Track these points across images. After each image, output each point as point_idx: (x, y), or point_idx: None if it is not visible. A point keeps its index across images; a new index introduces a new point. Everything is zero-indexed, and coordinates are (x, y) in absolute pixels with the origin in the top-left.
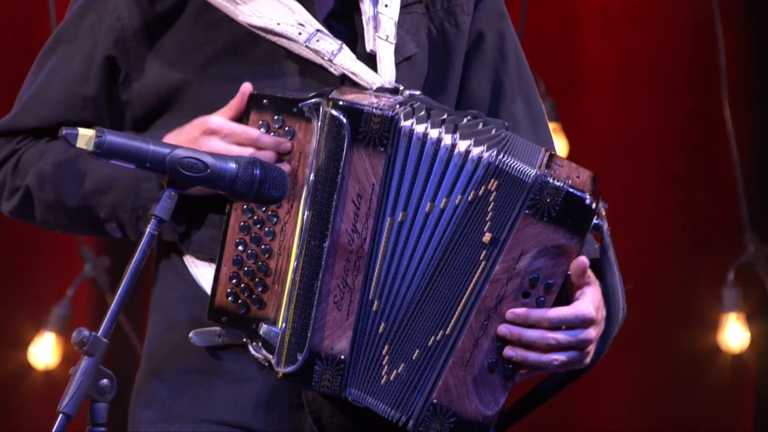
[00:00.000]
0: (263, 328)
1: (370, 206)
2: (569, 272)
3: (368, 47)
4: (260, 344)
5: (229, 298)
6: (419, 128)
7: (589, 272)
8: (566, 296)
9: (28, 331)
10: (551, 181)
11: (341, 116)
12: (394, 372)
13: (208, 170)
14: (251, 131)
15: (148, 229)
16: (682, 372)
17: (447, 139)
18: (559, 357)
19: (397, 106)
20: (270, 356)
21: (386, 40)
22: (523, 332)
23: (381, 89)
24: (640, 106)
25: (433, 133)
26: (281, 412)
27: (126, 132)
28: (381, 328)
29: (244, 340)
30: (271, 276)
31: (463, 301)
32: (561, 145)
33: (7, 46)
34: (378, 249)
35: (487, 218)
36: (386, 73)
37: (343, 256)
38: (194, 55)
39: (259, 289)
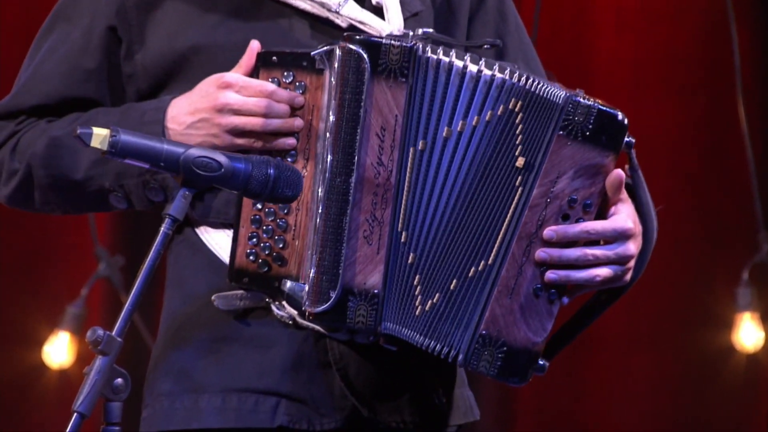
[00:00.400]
0: (287, 285)
1: (395, 138)
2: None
3: (374, 0)
4: (284, 302)
5: (250, 258)
6: (441, 57)
7: (623, 189)
8: (602, 215)
9: (42, 330)
10: (582, 100)
11: (360, 50)
12: (429, 302)
13: (222, 169)
14: (267, 85)
15: (162, 229)
16: (696, 371)
17: (472, 67)
18: (601, 272)
19: (417, 38)
20: (295, 312)
21: None
22: (563, 252)
23: (391, 36)
24: (653, 106)
25: (457, 62)
26: (309, 373)
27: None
28: (410, 258)
29: (267, 300)
30: (290, 232)
31: (503, 228)
32: None
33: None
34: (404, 180)
35: (517, 142)
36: (395, 22)
37: (371, 190)
38: (198, 22)
39: (280, 246)
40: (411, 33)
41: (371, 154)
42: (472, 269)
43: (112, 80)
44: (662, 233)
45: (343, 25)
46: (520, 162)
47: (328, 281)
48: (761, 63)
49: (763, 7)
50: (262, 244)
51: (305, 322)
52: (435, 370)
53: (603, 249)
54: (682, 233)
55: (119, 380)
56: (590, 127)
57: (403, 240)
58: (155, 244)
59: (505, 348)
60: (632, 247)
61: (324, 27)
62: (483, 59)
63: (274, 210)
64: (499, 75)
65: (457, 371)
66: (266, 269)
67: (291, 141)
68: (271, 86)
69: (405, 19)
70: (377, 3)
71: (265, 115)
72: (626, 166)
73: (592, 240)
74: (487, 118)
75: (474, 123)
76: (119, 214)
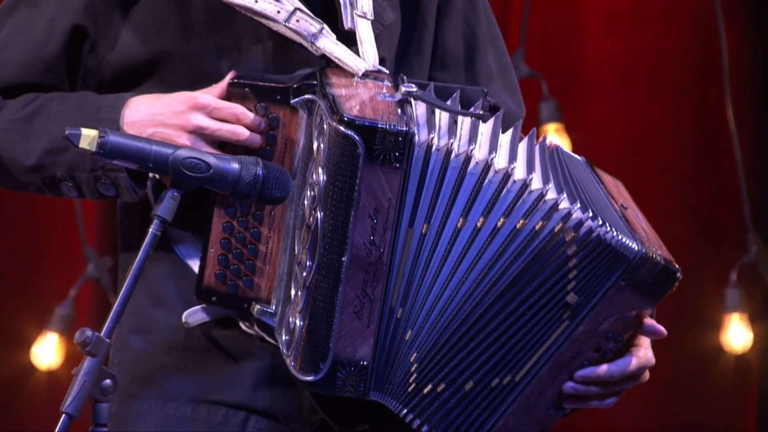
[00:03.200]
0: (256, 309)
1: (387, 220)
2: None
3: (346, 25)
4: (254, 324)
5: (219, 279)
6: (438, 140)
7: None
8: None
9: (30, 331)
10: (651, 256)
11: (354, 136)
12: (429, 386)
13: (211, 171)
14: (236, 107)
15: (150, 230)
16: (684, 372)
17: (477, 155)
18: (613, 401)
19: (408, 121)
20: (263, 334)
21: (364, 17)
22: (590, 389)
23: (367, 74)
24: (643, 107)
25: (457, 146)
26: (279, 387)
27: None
28: (407, 335)
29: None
30: (261, 259)
31: (539, 353)
32: (564, 146)
33: None
34: (397, 260)
35: (570, 276)
36: (369, 55)
37: (362, 268)
38: (172, 28)
39: (249, 271)
40: (387, 72)
41: (364, 234)
42: (496, 380)
43: (73, 72)
44: None
45: (317, 54)
46: (572, 298)
47: (318, 353)
48: (750, 64)
49: (752, 8)
50: (231, 267)
51: (272, 341)
52: None
53: (628, 383)
54: (670, 234)
55: (108, 381)
56: (650, 281)
57: (398, 316)
58: (144, 246)
59: None
60: (647, 373)
61: (299, 48)
62: (513, 163)
63: (244, 236)
64: (535, 185)
65: None
66: (235, 291)
67: None
68: (240, 108)
69: (377, 36)
70: (349, 29)
71: (242, 141)
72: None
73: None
74: (517, 225)
75: (498, 224)
76: (108, 216)
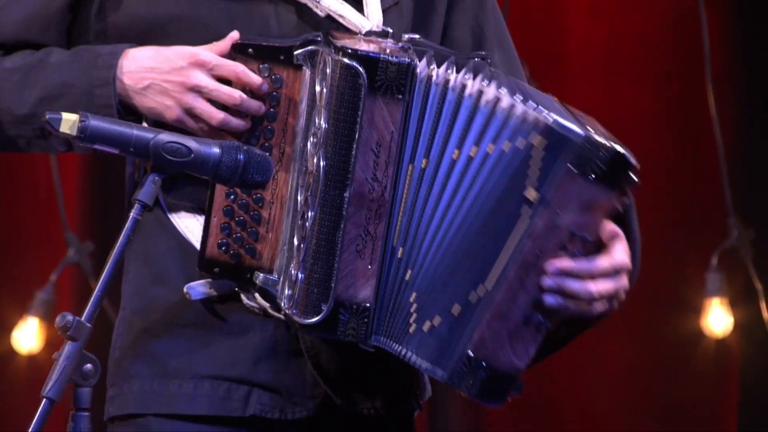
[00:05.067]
0: (259, 278)
1: (390, 154)
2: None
3: None
4: (255, 293)
5: (222, 248)
6: (438, 73)
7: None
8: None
9: (11, 315)
10: (600, 139)
11: (357, 65)
12: (428, 323)
13: (192, 155)
14: (236, 65)
15: (131, 214)
16: (666, 357)
17: (470, 86)
18: (599, 307)
19: (410, 52)
20: (266, 305)
21: None
22: (566, 284)
23: (370, 33)
24: (624, 92)
25: (454, 78)
26: (281, 361)
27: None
28: (407, 275)
29: (236, 289)
30: (264, 225)
31: (503, 255)
32: None
33: None
34: (399, 196)
35: (529, 172)
36: (374, 16)
37: (364, 205)
38: None
39: (252, 239)
40: (390, 31)
41: (366, 169)
42: (472, 293)
43: (76, 33)
44: None
45: (322, 15)
46: (531, 194)
47: (319, 294)
48: (731, 49)
49: None
50: (234, 236)
51: (276, 314)
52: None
53: (604, 284)
54: (651, 218)
55: (89, 366)
56: (602, 166)
57: (399, 256)
58: (125, 230)
59: (489, 371)
60: (626, 281)
61: (303, 10)
62: (493, 80)
63: (247, 202)
64: (520, 107)
65: None
66: (238, 260)
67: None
68: (240, 66)
69: (385, 10)
70: None
71: (237, 105)
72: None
73: (594, 277)
74: (504, 147)
75: (488, 150)
76: (89, 200)
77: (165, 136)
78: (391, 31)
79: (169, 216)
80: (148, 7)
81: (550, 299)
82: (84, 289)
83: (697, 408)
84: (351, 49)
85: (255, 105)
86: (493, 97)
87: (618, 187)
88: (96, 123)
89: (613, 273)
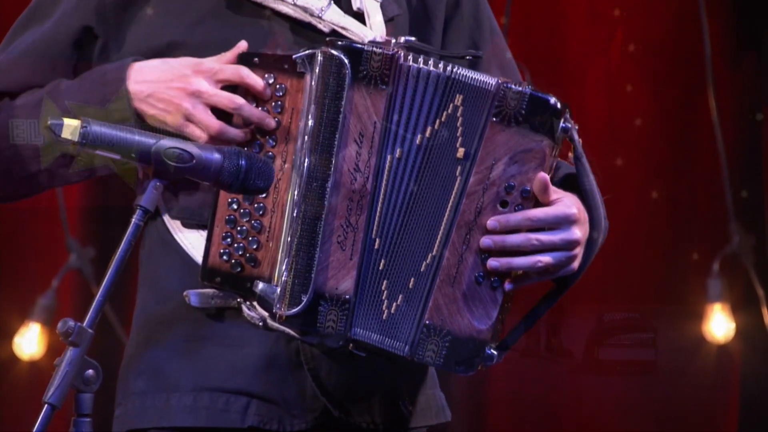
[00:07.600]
0: (259, 286)
1: (372, 145)
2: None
3: (355, 6)
4: (255, 303)
5: (223, 258)
6: (421, 66)
7: (557, 189)
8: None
9: (13, 321)
10: (514, 86)
11: (341, 55)
12: (394, 305)
13: (194, 161)
14: (240, 67)
15: (133, 220)
16: (667, 362)
17: (442, 74)
18: (544, 258)
19: (396, 47)
20: (266, 314)
21: None
22: (506, 239)
23: (373, 42)
24: (625, 97)
25: (433, 69)
26: (281, 373)
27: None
28: (381, 264)
29: (238, 300)
30: (265, 233)
31: (444, 218)
32: None
33: None
34: (380, 187)
35: (458, 134)
36: (377, 28)
37: (346, 196)
38: (177, 21)
39: (254, 247)
40: (393, 40)
41: (348, 160)
42: (423, 264)
43: (81, 70)
44: (633, 223)
45: (326, 30)
46: (460, 153)
47: (300, 285)
48: (732, 53)
49: None
50: (235, 245)
51: (276, 325)
52: (405, 371)
53: (546, 234)
54: (653, 224)
55: (90, 371)
56: (523, 112)
57: (376, 247)
58: (126, 235)
59: (450, 337)
60: (577, 232)
61: (305, 31)
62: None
63: (249, 211)
64: (434, 69)
65: (428, 373)
66: (239, 270)
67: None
68: (245, 70)
69: (385, 23)
70: (358, 9)
71: (237, 109)
72: (570, 154)
73: (536, 227)
74: (443, 119)
75: (436, 126)
76: (90, 206)
77: (167, 142)
78: (393, 40)
79: (173, 233)
80: (145, 41)
81: (491, 262)
82: (85, 295)
83: (698, 413)
84: (339, 41)
85: (256, 111)
86: (444, 77)
87: (545, 132)
88: (97, 128)
89: (555, 222)
